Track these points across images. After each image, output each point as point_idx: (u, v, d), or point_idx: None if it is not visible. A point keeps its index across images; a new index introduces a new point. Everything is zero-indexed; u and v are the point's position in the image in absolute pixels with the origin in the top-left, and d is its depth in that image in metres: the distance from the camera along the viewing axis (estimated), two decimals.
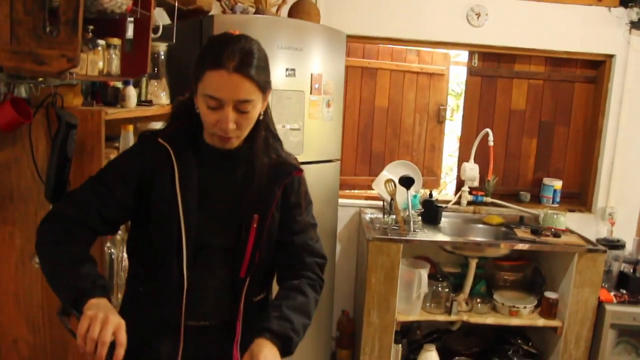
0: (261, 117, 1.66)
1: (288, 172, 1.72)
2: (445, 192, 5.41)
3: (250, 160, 1.68)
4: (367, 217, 3.93)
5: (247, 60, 1.51)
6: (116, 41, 2.27)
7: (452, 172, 6.00)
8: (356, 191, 4.28)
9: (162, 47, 2.74)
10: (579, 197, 4.31)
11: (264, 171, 1.67)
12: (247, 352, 1.50)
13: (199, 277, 1.65)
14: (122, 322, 1.37)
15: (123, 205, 1.63)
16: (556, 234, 3.61)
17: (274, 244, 1.74)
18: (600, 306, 3.51)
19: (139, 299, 1.72)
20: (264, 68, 1.58)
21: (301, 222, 1.78)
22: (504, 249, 3.59)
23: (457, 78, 5.83)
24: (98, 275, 1.49)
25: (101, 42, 2.15)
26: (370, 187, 4.12)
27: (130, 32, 2.45)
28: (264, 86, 1.58)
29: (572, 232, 3.76)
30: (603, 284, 3.57)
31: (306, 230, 1.79)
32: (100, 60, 2.17)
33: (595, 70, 4.14)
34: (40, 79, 2.01)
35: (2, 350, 2.21)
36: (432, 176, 4.38)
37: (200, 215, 1.63)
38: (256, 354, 1.46)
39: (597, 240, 3.78)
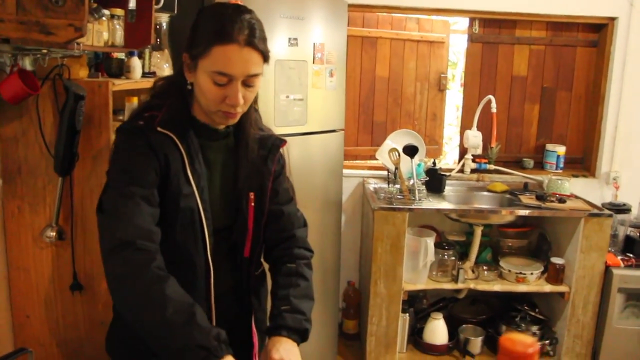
0: None
1: (277, 145, 1.71)
2: (446, 161, 5.40)
3: (238, 136, 1.66)
4: (371, 187, 3.92)
5: (254, 32, 1.46)
6: (119, 11, 2.24)
7: (452, 141, 5.99)
8: (359, 161, 4.26)
9: (164, 18, 2.71)
10: (583, 162, 4.30)
11: (254, 146, 1.66)
12: (268, 351, 1.53)
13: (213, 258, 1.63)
14: None
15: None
16: (561, 200, 3.60)
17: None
18: (607, 271, 3.52)
19: None
20: (266, 39, 1.53)
21: (287, 189, 1.78)
22: (509, 215, 3.58)
23: (453, 47, 5.76)
24: (215, 327, 1.37)
25: (106, 11, 2.11)
26: (372, 157, 4.11)
27: (132, 3, 2.40)
28: (267, 57, 1.53)
29: (577, 197, 3.76)
30: (610, 249, 3.58)
31: (291, 198, 1.79)
32: (105, 30, 2.14)
33: (597, 33, 4.10)
34: (45, 50, 1.98)
35: (16, 326, 2.20)
36: (434, 145, 4.36)
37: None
38: (280, 354, 1.50)
39: (603, 204, 3.78)
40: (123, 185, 1.46)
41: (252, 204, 1.65)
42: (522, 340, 0.81)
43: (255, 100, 1.69)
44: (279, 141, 1.73)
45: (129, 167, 1.48)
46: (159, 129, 1.51)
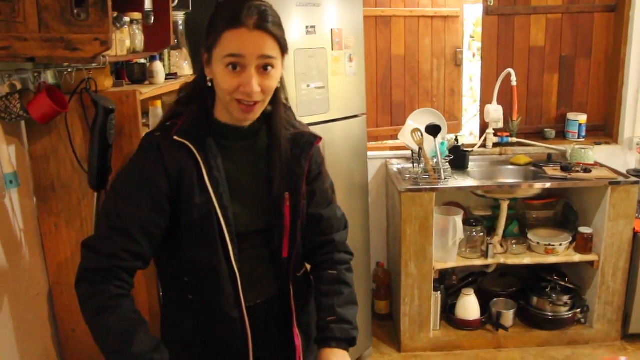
0: (278, 85, 1.57)
1: (310, 142, 1.66)
2: (462, 133, 5.35)
3: (270, 136, 1.62)
4: (394, 167, 3.90)
5: (265, 17, 1.44)
6: (137, 15, 2.20)
7: (467, 113, 5.94)
8: (380, 143, 4.23)
9: (180, 17, 2.68)
10: (605, 129, 4.24)
11: (286, 146, 1.62)
12: None
13: (245, 263, 1.59)
14: None
15: (151, 232, 1.48)
16: (586, 169, 3.58)
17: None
18: (635, 237, 3.51)
19: (190, 305, 1.62)
20: (281, 26, 1.51)
21: (326, 192, 1.74)
22: (536, 188, 3.57)
23: (470, 20, 5.69)
24: (152, 348, 1.41)
25: (126, 19, 2.08)
26: (393, 138, 4.08)
27: (148, 4, 2.37)
28: (283, 44, 1.50)
29: (601, 165, 3.73)
30: (637, 215, 3.56)
31: (331, 200, 1.76)
32: (127, 38, 2.11)
33: None
34: (66, 63, 1.95)
35: (62, 339, 2.22)
36: (453, 120, 4.32)
37: (233, 204, 1.56)
38: None
39: (627, 171, 3.76)
40: (115, 202, 1.50)
41: (288, 203, 1.61)
42: None
43: (285, 96, 1.67)
44: (313, 138, 1.68)
45: (127, 188, 1.50)
46: (175, 137, 1.50)
